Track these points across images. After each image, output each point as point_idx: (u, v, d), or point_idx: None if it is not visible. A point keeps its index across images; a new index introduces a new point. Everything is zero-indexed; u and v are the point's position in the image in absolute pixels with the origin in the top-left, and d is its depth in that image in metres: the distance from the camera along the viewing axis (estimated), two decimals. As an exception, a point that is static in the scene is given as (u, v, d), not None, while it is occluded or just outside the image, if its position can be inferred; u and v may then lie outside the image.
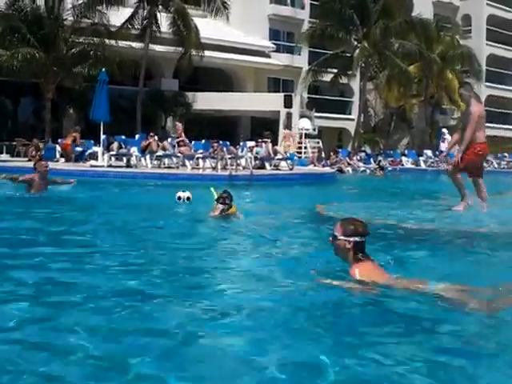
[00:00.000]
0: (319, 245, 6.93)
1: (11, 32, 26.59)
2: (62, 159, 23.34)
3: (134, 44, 30.13)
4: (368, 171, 29.59)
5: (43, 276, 4.94)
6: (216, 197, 8.85)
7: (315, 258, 5.87)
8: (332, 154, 31.14)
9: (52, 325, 3.69)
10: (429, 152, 35.77)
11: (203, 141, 24.61)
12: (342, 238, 4.66)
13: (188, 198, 10.35)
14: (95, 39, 28.42)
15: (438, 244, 7.37)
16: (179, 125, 24.17)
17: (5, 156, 25.35)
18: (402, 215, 9.67)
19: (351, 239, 4.61)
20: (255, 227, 8.37)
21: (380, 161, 32.21)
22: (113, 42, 28.87)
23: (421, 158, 34.62)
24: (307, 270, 5.15)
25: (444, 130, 35.27)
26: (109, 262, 5.59)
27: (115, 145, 21.46)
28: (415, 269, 5.62)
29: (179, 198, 10.33)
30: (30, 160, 23.17)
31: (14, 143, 26.69)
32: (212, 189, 9.32)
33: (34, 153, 24.26)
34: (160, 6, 30.49)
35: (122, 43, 29.40)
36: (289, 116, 33.37)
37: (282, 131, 33.14)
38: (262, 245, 6.94)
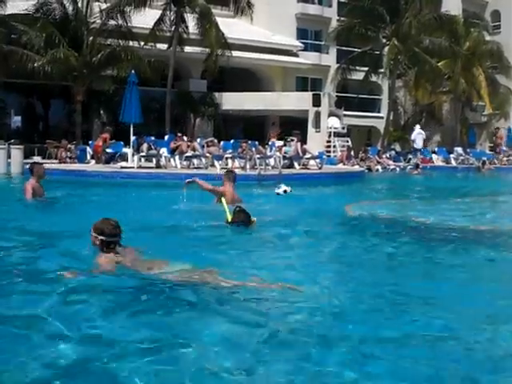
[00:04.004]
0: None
1: (48, 37, 26.87)
2: (93, 161, 23.56)
3: (161, 45, 30.26)
4: (398, 169, 29.34)
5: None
6: (229, 216, 7.84)
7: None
8: (361, 152, 30.89)
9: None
10: (459, 149, 35.37)
11: (232, 141, 24.64)
12: (93, 234, 5.48)
13: (285, 191, 10.44)
14: (123, 41, 28.64)
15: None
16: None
17: (36, 158, 25.60)
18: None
19: (99, 237, 5.42)
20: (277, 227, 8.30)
21: (410, 159, 31.95)
22: (140, 43, 29.10)
23: (451, 156, 34.24)
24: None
25: (417, 126, 35.38)
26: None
27: (145, 146, 21.60)
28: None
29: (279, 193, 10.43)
30: (60, 162, 23.43)
31: (46, 145, 26.98)
32: (223, 200, 8.26)
33: (63, 154, 24.51)
34: (186, 7, 30.55)
35: (149, 45, 29.62)
36: (317, 115, 33.16)
37: (310, 130, 33.03)
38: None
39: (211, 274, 5.13)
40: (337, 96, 38.54)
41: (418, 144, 34.11)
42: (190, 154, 21.74)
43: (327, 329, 4.14)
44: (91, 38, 28.56)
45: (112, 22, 28.70)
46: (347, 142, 33.44)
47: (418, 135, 34.29)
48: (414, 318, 4.40)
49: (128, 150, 21.73)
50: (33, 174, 10.84)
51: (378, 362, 3.57)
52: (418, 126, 35.34)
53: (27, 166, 12.21)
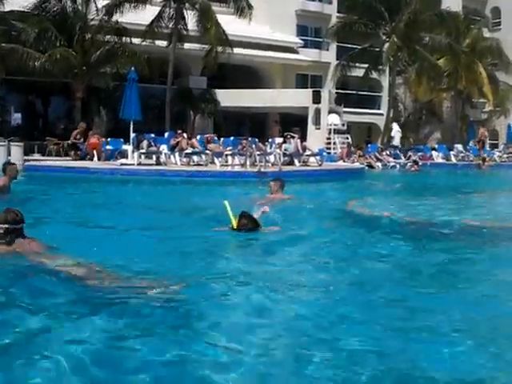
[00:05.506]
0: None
1: (42, 33, 26.83)
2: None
3: (161, 42, 30.22)
4: (398, 166, 29.35)
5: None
6: (233, 221, 7.16)
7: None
8: (356, 149, 30.90)
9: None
10: (459, 146, 35.39)
11: (232, 138, 24.62)
12: None
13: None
14: (122, 38, 28.60)
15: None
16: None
17: (36, 155, 25.62)
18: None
19: (3, 226, 5.66)
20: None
21: (410, 156, 31.94)
22: (140, 40, 29.09)
23: (451, 153, 34.23)
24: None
25: (394, 123, 35.62)
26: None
27: (145, 143, 21.59)
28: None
29: None
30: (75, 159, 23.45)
31: (45, 142, 26.95)
32: (226, 203, 7.36)
33: (78, 136, 24.83)
34: (186, 4, 30.51)
35: (148, 41, 29.60)
36: (317, 112, 33.16)
37: (310, 127, 33.03)
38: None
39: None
40: (337, 93, 38.54)
41: (396, 141, 34.38)
42: (189, 150, 21.74)
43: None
44: (90, 35, 28.50)
45: (111, 19, 28.66)
46: (347, 138, 33.45)
47: (396, 133, 34.56)
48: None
49: (128, 147, 21.74)
50: (5, 173, 11.00)
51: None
52: (395, 124, 35.75)
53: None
